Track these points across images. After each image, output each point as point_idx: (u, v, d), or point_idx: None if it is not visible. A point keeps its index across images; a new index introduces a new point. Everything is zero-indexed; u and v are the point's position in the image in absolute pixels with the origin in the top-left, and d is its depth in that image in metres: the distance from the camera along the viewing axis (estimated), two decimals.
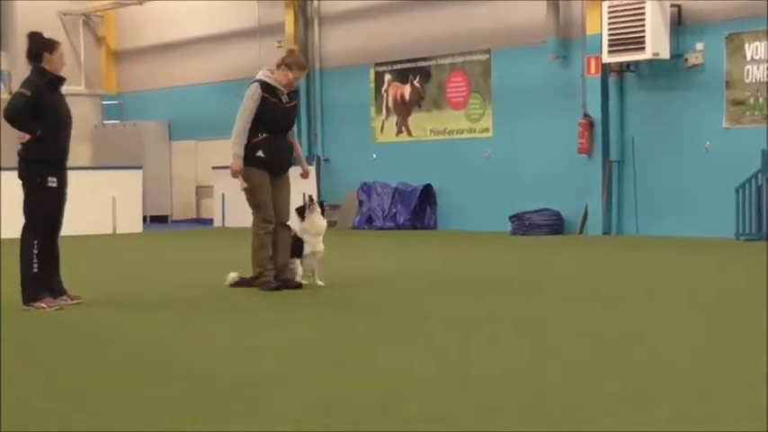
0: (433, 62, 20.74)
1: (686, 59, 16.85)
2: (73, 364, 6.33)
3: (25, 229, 8.72)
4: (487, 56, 19.74)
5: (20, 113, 8.63)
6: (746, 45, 16.23)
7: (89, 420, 4.78)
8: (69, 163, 9.00)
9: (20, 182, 8.77)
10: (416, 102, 21.07)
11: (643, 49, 16.73)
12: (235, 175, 9.92)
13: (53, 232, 8.87)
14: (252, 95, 9.86)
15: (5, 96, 20.78)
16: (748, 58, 16.22)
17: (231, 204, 21.14)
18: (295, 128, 10.40)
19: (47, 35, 8.88)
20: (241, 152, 9.81)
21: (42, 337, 7.42)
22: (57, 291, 8.88)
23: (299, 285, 9.86)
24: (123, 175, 21.18)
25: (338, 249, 12.79)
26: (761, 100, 16.07)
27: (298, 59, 10.18)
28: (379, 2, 21.60)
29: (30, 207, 8.72)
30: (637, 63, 17.37)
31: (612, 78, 17.78)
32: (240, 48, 24.25)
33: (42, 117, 8.63)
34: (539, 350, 6.47)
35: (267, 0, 23.54)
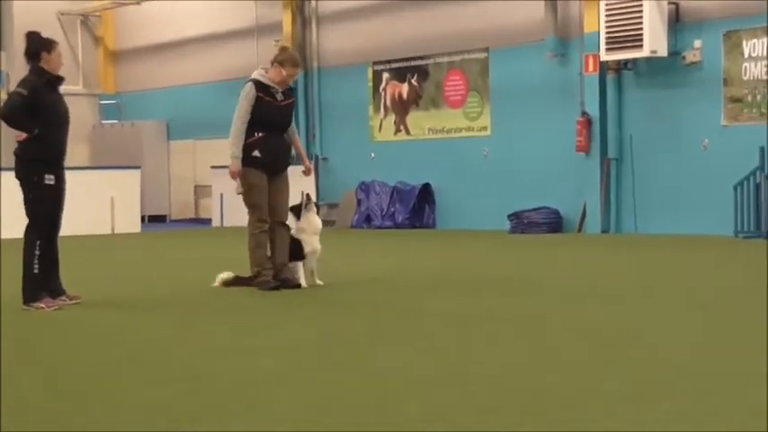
0: (430, 61, 20.73)
1: (684, 57, 16.86)
2: (72, 364, 6.32)
3: (28, 228, 8.71)
4: (485, 54, 19.74)
5: (16, 113, 8.63)
6: (744, 42, 16.23)
7: (88, 420, 4.78)
8: (67, 163, 8.99)
9: (18, 182, 8.76)
10: (414, 100, 21.06)
11: (641, 46, 16.74)
12: (234, 176, 9.87)
13: (53, 232, 8.86)
14: (246, 95, 9.81)
15: (4, 96, 20.76)
16: (746, 55, 16.22)
17: (230, 204, 21.13)
18: (294, 125, 10.34)
19: (45, 35, 8.88)
20: (239, 153, 9.77)
21: (42, 338, 7.42)
22: (56, 291, 8.88)
23: (298, 285, 9.84)
24: (121, 175, 21.17)
25: (337, 248, 12.79)
26: (759, 97, 16.08)
27: (291, 56, 10.07)
28: (376, 1, 21.60)
29: (30, 205, 8.71)
30: (635, 61, 17.38)
31: (610, 76, 17.79)
32: (238, 47, 24.25)
33: (40, 116, 8.62)
34: (538, 349, 6.47)
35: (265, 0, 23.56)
